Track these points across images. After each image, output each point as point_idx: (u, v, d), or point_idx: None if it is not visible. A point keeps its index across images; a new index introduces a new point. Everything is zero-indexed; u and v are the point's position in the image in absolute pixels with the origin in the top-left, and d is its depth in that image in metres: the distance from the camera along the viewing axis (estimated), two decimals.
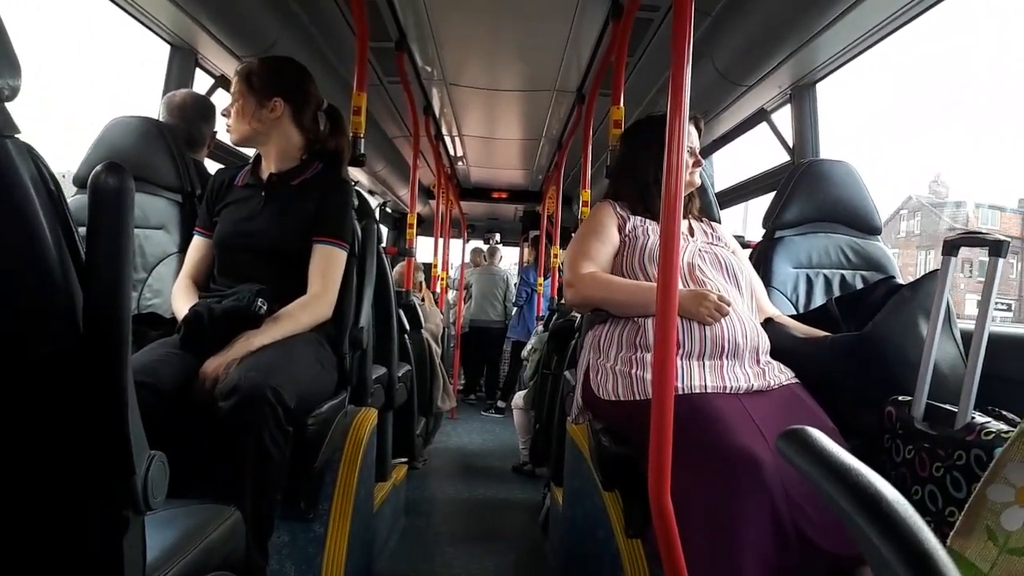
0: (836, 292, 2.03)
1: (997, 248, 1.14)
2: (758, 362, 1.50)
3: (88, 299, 0.70)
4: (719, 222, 1.98)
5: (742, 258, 1.76)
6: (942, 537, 0.86)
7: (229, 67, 2.65)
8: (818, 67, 2.44)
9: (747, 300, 1.63)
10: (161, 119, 2.11)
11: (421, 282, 4.66)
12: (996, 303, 1.19)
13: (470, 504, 3.34)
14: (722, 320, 1.47)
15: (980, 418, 1.11)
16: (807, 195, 2.09)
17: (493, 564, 2.51)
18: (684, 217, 1.71)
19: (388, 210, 6.99)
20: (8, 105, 0.69)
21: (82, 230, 0.71)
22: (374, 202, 6.36)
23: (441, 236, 5.76)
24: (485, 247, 7.04)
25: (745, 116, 3.02)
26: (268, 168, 1.74)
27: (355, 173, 4.83)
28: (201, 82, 2.70)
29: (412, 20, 2.93)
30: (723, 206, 2.91)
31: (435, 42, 3.14)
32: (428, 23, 2.92)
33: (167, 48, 2.53)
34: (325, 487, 1.75)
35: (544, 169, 5.90)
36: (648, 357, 1.47)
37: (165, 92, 2.39)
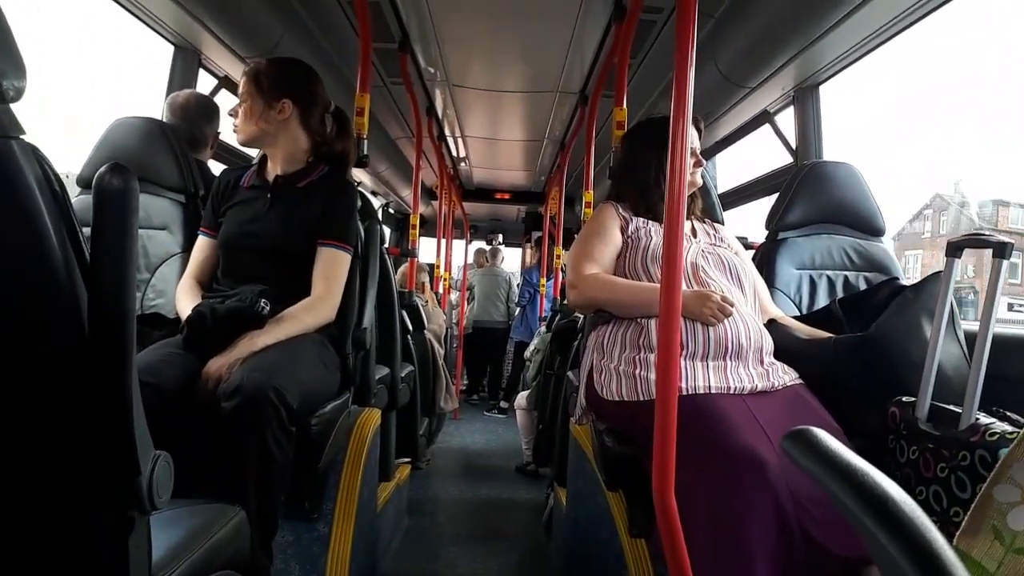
0: (839, 293, 2.03)
1: (1001, 250, 1.14)
2: (762, 363, 1.50)
3: (92, 299, 0.70)
4: (722, 223, 1.98)
5: (745, 259, 1.76)
6: (947, 537, 0.86)
7: (232, 68, 2.66)
8: (821, 69, 2.45)
9: (750, 301, 1.63)
10: (165, 120, 2.11)
11: (424, 283, 4.65)
12: (1015, 304, 1.18)
13: (473, 504, 3.34)
14: (725, 321, 1.47)
15: (984, 419, 1.11)
16: (810, 197, 2.10)
17: (496, 564, 2.51)
18: (687, 218, 1.72)
19: (391, 211, 7.01)
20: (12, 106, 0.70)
21: (86, 230, 0.71)
22: (377, 203, 6.37)
23: (444, 237, 5.76)
24: (488, 248, 7.04)
25: (748, 118, 3.03)
26: (274, 170, 1.74)
27: (358, 174, 4.85)
28: (205, 83, 2.70)
29: (415, 21, 2.93)
30: (726, 208, 2.91)
31: (438, 43, 3.15)
32: (431, 24, 2.92)
33: (171, 49, 2.53)
34: (329, 487, 1.75)
35: (547, 170, 5.90)
36: (652, 358, 1.47)
37: (169, 93, 2.40)
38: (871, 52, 2.27)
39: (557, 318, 3.55)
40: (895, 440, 1.26)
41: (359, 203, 1.82)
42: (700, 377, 1.40)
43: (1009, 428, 1.06)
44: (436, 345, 3.72)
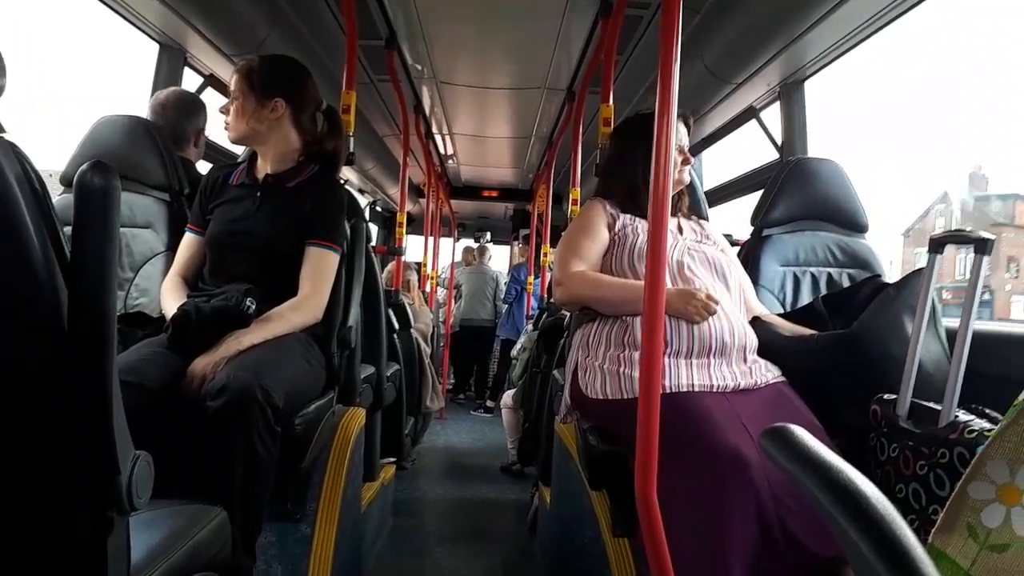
0: (823, 290, 2.04)
1: (982, 246, 1.15)
2: (745, 360, 1.50)
3: (73, 298, 0.70)
4: (707, 220, 1.98)
5: (731, 256, 1.76)
6: (926, 535, 0.87)
7: (218, 66, 2.64)
8: (807, 64, 2.46)
9: (735, 298, 1.64)
10: (150, 118, 2.09)
11: (410, 281, 4.64)
12: None
13: (458, 504, 3.34)
14: (710, 319, 1.47)
15: (963, 416, 1.12)
16: (795, 193, 2.10)
17: (481, 564, 2.51)
18: (673, 215, 1.72)
19: (378, 209, 6.98)
20: None
21: (68, 229, 0.70)
22: (363, 201, 6.35)
23: (431, 235, 5.75)
24: (476, 246, 7.03)
25: (734, 114, 3.04)
26: (264, 168, 1.73)
27: (344, 171, 4.79)
28: (191, 82, 2.68)
29: (402, 18, 2.92)
30: (712, 204, 2.92)
31: (425, 40, 3.14)
32: (418, 21, 2.91)
33: (155, 47, 2.51)
34: (312, 487, 1.74)
35: (534, 167, 5.90)
36: (636, 356, 1.46)
37: (154, 91, 2.37)
38: (857, 46, 2.28)
39: (544, 316, 3.55)
40: (876, 438, 1.27)
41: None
42: (684, 375, 1.41)
43: (987, 425, 1.07)
44: (422, 344, 3.71)
